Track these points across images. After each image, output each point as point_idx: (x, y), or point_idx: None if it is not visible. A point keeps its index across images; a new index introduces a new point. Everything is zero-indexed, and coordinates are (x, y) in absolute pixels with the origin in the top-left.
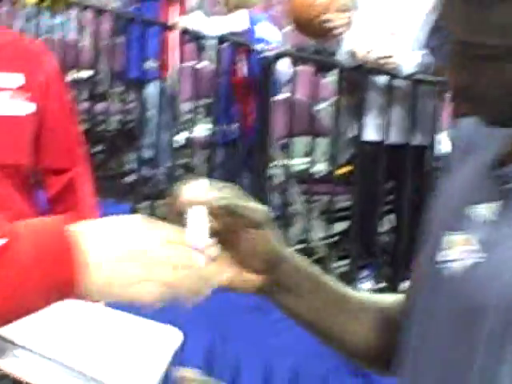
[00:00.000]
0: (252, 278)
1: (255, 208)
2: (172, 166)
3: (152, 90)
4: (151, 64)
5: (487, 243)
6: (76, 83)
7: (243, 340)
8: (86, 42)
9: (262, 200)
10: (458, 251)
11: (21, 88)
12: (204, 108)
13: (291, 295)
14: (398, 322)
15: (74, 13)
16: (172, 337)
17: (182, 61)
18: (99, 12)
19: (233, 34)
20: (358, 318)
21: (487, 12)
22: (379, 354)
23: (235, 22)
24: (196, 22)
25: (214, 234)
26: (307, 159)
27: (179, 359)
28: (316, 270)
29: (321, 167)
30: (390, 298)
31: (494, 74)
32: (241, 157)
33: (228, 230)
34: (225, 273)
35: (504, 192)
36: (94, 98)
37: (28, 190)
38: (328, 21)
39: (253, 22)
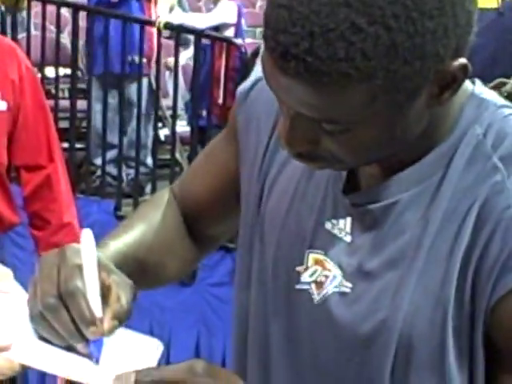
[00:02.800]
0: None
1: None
2: (154, 163)
3: (134, 86)
4: (135, 60)
5: (348, 270)
6: (56, 80)
7: (230, 334)
8: (65, 39)
9: None
10: (320, 273)
11: None
12: (184, 104)
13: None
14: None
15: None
16: (152, 348)
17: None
18: (76, 9)
19: (222, 26)
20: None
21: (340, 94)
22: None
23: (224, 13)
24: (180, 16)
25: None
26: None
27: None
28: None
29: None
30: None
31: (342, 142)
32: None
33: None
34: None
35: (354, 211)
36: (75, 95)
37: (4, 188)
38: None
39: (240, 15)
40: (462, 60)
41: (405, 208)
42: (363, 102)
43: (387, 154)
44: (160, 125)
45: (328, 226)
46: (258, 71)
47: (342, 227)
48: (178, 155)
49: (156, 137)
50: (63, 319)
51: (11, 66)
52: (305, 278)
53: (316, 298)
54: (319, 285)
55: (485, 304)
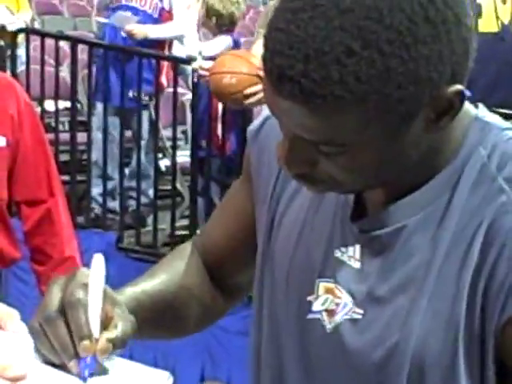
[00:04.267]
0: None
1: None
2: (155, 193)
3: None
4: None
5: (359, 296)
6: (55, 113)
7: (235, 365)
8: (64, 72)
9: None
10: (331, 301)
11: None
12: (183, 134)
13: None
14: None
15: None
16: (163, 379)
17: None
18: (75, 42)
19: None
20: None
21: (334, 116)
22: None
23: (218, 45)
24: (176, 47)
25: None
26: None
27: None
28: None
29: None
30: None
31: (339, 164)
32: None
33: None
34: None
35: (362, 238)
36: (75, 127)
37: (5, 223)
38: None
39: (239, 47)
40: (458, 86)
41: (412, 232)
42: (358, 124)
43: (386, 177)
44: (160, 155)
45: (337, 253)
46: (267, 110)
47: (351, 254)
48: (178, 185)
49: (156, 167)
50: (59, 331)
51: (10, 101)
52: (316, 307)
53: (328, 326)
54: (330, 313)
55: (494, 324)
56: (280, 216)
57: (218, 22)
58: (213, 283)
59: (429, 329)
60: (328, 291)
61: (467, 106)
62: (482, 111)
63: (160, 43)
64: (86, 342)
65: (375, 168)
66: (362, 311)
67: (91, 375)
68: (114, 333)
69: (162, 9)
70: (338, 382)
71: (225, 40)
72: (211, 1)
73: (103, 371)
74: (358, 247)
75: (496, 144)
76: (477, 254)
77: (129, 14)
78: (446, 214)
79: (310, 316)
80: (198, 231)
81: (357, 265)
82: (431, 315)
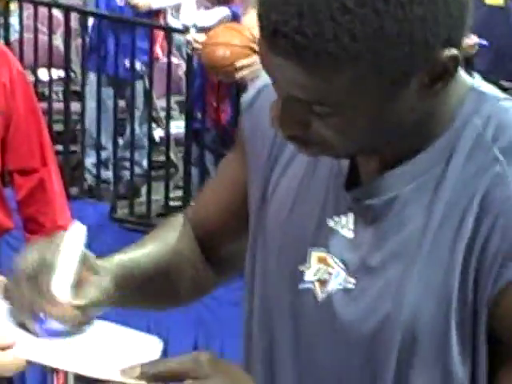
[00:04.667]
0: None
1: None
2: (149, 164)
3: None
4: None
5: (351, 265)
6: (49, 83)
7: (228, 335)
8: (58, 41)
9: None
10: (324, 271)
11: None
12: (178, 105)
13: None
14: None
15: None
16: (151, 346)
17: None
18: (68, 10)
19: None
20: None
21: (327, 75)
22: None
23: (215, 16)
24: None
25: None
26: None
27: None
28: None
29: None
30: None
31: (331, 125)
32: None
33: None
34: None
35: (355, 206)
36: (68, 97)
37: None
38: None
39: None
40: (453, 51)
41: (406, 201)
42: (350, 83)
43: (379, 142)
44: (154, 126)
45: (330, 223)
46: (262, 80)
47: (345, 223)
48: (172, 156)
49: (150, 138)
50: (22, 290)
51: (2, 69)
52: (308, 277)
53: (320, 296)
54: (323, 283)
55: (487, 296)
56: (273, 185)
57: None
58: (204, 255)
59: (421, 299)
60: (320, 260)
61: (463, 75)
62: (477, 81)
63: (156, 12)
64: (41, 302)
65: (367, 131)
66: (354, 281)
67: (62, 335)
68: (82, 299)
69: None
70: (329, 354)
71: (222, 11)
72: None
73: (77, 331)
74: (351, 216)
75: (491, 114)
76: (470, 225)
77: None
78: (440, 184)
79: (302, 286)
80: (191, 202)
81: (350, 234)
82: (423, 285)
